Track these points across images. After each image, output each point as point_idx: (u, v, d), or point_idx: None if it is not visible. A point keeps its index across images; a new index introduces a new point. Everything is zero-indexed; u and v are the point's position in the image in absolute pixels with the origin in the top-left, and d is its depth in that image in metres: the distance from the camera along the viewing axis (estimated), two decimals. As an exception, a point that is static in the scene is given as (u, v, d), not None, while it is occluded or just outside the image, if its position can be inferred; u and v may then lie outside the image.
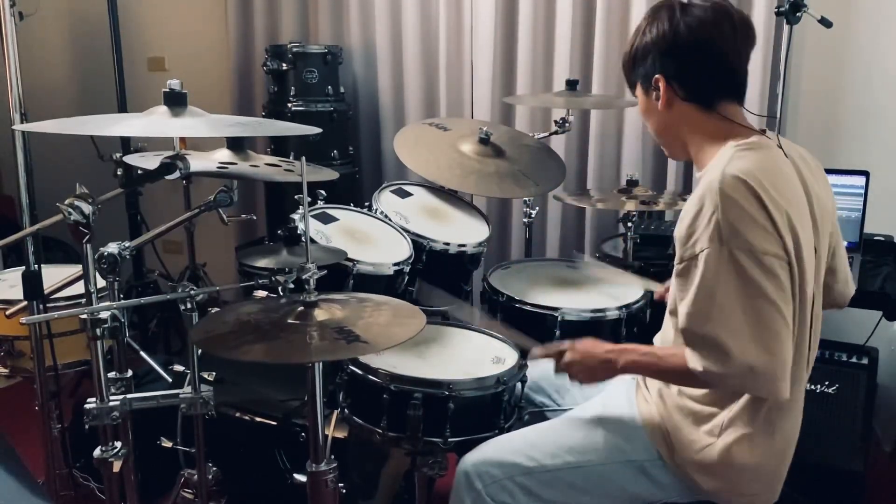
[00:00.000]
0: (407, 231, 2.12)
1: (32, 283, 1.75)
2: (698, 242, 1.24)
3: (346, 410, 1.65)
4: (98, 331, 1.32)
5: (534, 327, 1.94)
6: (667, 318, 1.49)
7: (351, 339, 1.24)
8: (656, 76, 1.37)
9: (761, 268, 1.22)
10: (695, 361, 1.27)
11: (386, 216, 2.17)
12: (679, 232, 1.29)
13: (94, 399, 1.35)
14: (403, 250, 2.06)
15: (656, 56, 1.36)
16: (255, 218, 3.17)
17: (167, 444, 1.83)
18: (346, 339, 1.24)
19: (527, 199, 2.54)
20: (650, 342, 1.55)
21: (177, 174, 1.47)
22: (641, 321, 2.06)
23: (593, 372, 1.43)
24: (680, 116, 1.38)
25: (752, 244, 1.21)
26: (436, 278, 2.12)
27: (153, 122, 1.35)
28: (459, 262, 2.18)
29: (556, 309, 1.94)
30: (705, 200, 1.24)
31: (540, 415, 1.70)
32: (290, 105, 2.97)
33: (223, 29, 3.47)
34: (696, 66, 1.35)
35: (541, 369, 1.70)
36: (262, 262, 1.70)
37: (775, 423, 1.36)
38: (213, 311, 1.46)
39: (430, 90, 3.14)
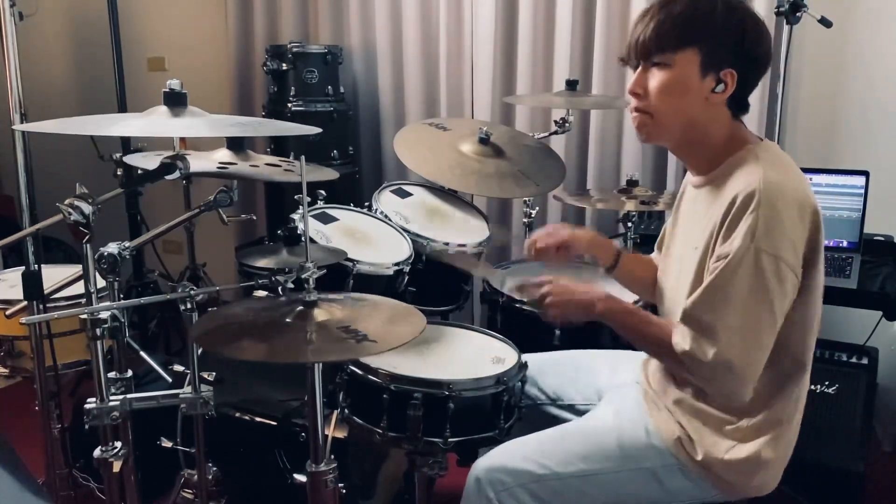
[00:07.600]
0: (407, 231, 2.12)
1: (32, 283, 1.75)
2: (735, 240, 1.26)
3: (346, 410, 1.64)
4: (98, 331, 1.31)
5: (534, 327, 1.94)
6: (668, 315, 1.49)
7: (360, 338, 1.25)
8: (729, 69, 1.31)
9: (777, 276, 1.25)
10: (681, 341, 1.32)
11: (386, 216, 2.17)
12: (716, 228, 1.30)
13: (94, 399, 1.35)
14: (403, 250, 2.06)
15: (734, 50, 1.31)
16: (255, 218, 3.17)
17: (167, 444, 1.82)
18: (356, 339, 1.24)
19: (527, 199, 2.54)
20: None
21: (177, 174, 1.46)
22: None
23: (567, 308, 1.47)
24: (712, 114, 1.35)
25: (778, 250, 1.24)
26: (436, 278, 2.12)
27: (153, 122, 1.35)
28: (459, 262, 2.18)
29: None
30: (748, 200, 1.25)
31: (533, 408, 1.70)
32: (289, 105, 2.97)
33: (223, 29, 3.47)
34: (757, 78, 1.36)
35: (535, 363, 1.71)
36: (262, 262, 1.70)
37: (791, 419, 1.40)
38: (212, 310, 1.46)
39: (430, 90, 3.14)
